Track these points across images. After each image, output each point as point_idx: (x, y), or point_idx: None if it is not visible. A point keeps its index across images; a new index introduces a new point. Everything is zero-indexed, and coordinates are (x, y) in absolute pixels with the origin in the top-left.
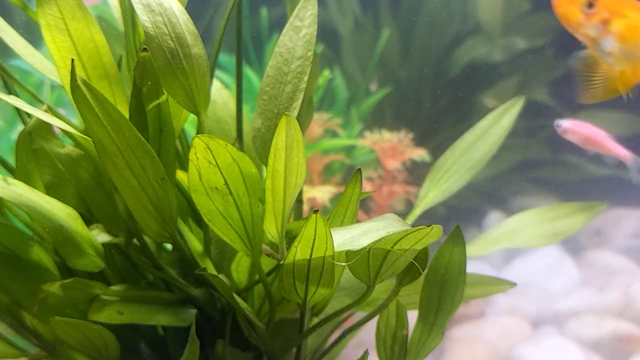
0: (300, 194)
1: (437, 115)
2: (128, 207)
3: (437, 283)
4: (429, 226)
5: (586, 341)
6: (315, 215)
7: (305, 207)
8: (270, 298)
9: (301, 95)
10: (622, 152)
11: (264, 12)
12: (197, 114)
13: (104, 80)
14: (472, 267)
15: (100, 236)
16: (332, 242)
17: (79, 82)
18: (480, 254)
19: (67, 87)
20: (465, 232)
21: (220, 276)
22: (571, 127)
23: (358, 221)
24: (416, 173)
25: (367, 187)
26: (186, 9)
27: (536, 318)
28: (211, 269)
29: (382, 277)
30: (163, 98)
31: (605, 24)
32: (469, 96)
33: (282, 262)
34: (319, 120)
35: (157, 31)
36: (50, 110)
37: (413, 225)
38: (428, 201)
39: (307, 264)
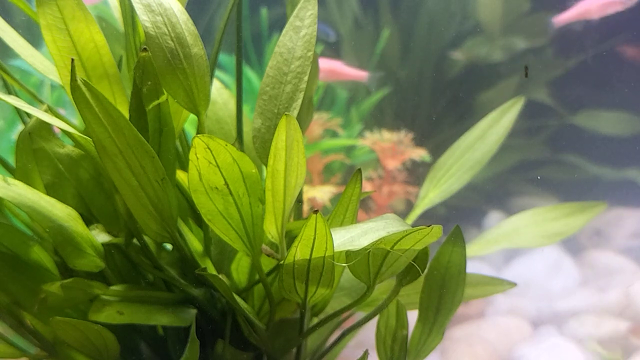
0: (300, 194)
1: (437, 115)
2: (128, 207)
3: (437, 283)
4: (429, 226)
5: (586, 341)
6: (315, 215)
7: (305, 207)
8: (270, 298)
9: (301, 95)
10: (358, 74)
11: (264, 12)
12: (197, 114)
13: (104, 80)
14: (472, 267)
15: (100, 236)
16: (332, 242)
17: (79, 82)
18: (480, 254)
19: (67, 87)
20: (465, 232)
21: (220, 276)
22: None
23: (358, 221)
24: (416, 173)
25: (367, 187)
26: (186, 9)
27: (536, 318)
28: (211, 269)
29: (382, 277)
30: (163, 98)
31: None
32: (469, 96)
33: (282, 262)
34: (319, 120)
35: (157, 31)
36: (50, 110)
37: (413, 225)
38: (428, 201)
39: (307, 264)
